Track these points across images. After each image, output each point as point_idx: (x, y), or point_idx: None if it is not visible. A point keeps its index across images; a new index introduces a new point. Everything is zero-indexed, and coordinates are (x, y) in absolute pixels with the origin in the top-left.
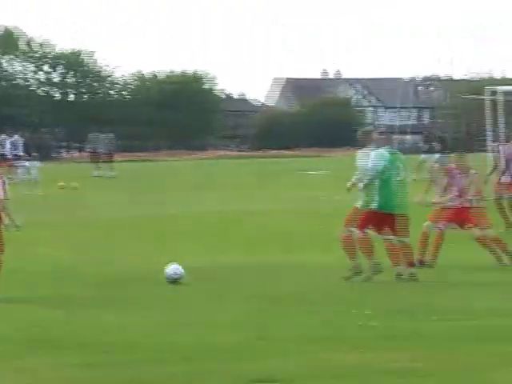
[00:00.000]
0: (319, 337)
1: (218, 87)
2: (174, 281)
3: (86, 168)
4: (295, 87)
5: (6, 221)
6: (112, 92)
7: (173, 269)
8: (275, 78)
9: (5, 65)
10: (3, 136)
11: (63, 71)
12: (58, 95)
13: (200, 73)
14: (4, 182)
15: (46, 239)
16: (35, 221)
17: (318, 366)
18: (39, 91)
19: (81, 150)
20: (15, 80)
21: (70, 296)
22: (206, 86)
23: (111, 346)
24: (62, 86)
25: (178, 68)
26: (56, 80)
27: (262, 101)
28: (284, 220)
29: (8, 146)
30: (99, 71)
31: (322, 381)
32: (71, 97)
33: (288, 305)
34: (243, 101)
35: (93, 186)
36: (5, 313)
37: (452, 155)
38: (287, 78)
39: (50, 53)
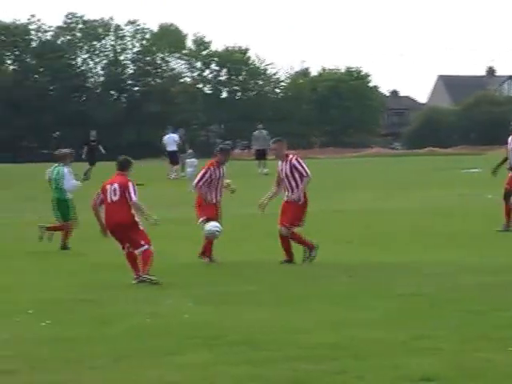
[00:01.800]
0: (475, 336)
1: (370, 84)
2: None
3: (242, 165)
4: (451, 85)
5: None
6: (266, 89)
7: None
8: (433, 75)
9: (159, 61)
10: (169, 132)
11: (216, 68)
12: (210, 92)
13: (354, 69)
14: (133, 185)
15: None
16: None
17: (475, 366)
18: (199, 88)
19: (235, 147)
20: (172, 77)
21: (224, 293)
22: (370, 84)
23: (267, 343)
24: (216, 83)
25: (330, 65)
26: (209, 77)
27: (415, 98)
28: (434, 218)
29: (175, 139)
30: (252, 68)
31: (480, 381)
32: (224, 94)
33: (443, 303)
34: (406, 98)
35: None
36: (172, 308)
37: None
38: (441, 75)
39: (204, 50)
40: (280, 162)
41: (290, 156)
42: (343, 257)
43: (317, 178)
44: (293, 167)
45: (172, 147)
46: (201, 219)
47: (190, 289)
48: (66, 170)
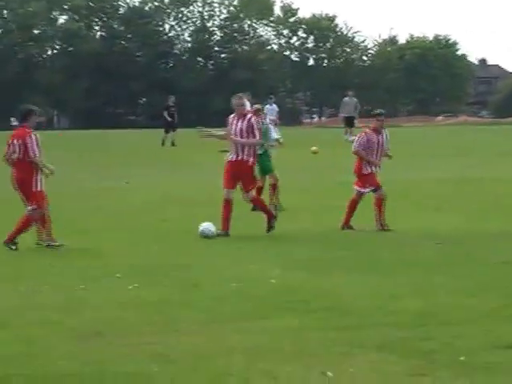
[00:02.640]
0: None
1: (458, 53)
2: (206, 236)
3: (329, 133)
4: None
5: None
6: (353, 56)
7: (206, 226)
8: None
9: (246, 28)
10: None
11: (303, 35)
12: (297, 59)
13: (442, 37)
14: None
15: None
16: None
17: None
18: (286, 56)
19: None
20: (258, 43)
21: (313, 259)
22: (458, 52)
23: (355, 308)
24: (303, 50)
25: (418, 32)
26: (296, 44)
27: (505, 67)
28: None
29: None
30: (340, 36)
31: None
32: (311, 61)
33: None
34: (494, 67)
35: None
36: (259, 273)
37: None
38: None
39: (291, 17)
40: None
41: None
42: (432, 224)
43: (405, 146)
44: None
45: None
46: (365, 189)
47: (278, 255)
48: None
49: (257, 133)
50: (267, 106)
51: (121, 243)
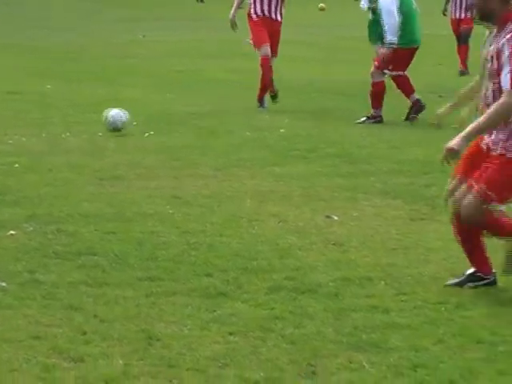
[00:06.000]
0: None
1: None
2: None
3: None
4: None
5: None
6: None
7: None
8: None
9: None
10: None
11: None
12: None
13: None
14: None
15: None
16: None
17: None
18: None
19: None
20: None
21: (320, 109)
22: None
23: (361, 157)
24: None
25: None
26: None
27: None
28: None
29: None
30: None
31: None
32: None
33: None
34: None
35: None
36: (269, 122)
37: None
38: None
39: None
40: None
41: None
42: (433, 78)
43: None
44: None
45: None
46: None
47: (286, 105)
48: None
49: None
50: None
51: (136, 92)
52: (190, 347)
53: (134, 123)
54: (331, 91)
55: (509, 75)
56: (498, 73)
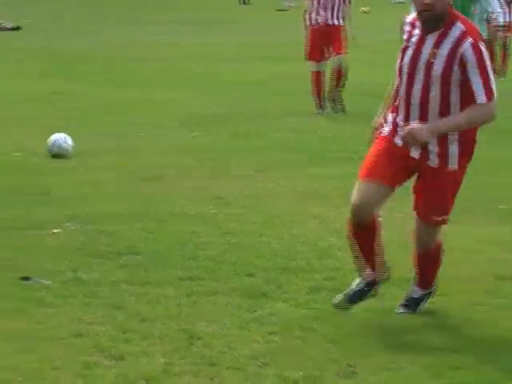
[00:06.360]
0: None
1: None
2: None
3: None
4: None
5: None
6: None
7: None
8: None
9: None
10: None
11: None
12: None
13: None
14: None
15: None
16: None
17: None
18: None
19: None
20: None
21: (365, 112)
22: None
23: None
24: None
25: None
26: None
27: None
28: None
29: None
30: None
31: None
32: None
33: None
34: None
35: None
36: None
37: None
38: None
39: None
40: None
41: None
42: None
43: None
44: None
45: None
46: None
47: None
48: None
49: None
50: None
51: (170, 94)
52: (230, 346)
53: (176, 124)
54: (375, 94)
55: (482, 87)
56: (447, 80)
